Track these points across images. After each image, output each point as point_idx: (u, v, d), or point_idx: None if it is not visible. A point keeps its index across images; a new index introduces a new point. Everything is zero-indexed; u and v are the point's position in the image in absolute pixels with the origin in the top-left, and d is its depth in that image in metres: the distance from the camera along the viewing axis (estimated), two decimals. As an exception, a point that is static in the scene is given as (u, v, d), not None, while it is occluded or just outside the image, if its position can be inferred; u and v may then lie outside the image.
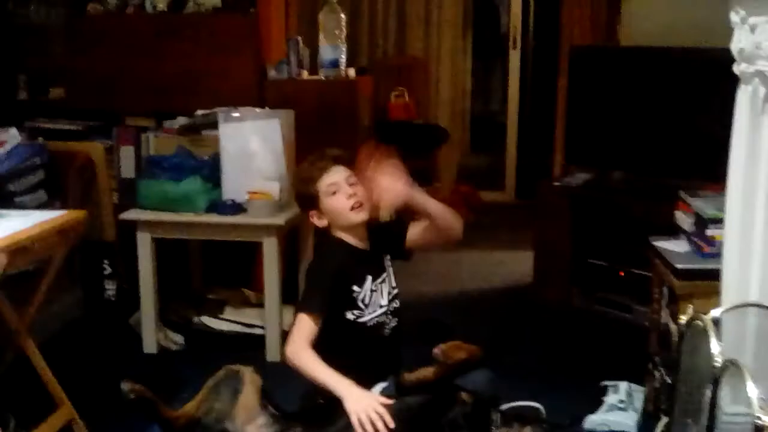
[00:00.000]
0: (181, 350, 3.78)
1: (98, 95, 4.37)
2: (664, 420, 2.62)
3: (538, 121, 6.57)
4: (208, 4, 4.31)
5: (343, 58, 4.35)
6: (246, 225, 3.59)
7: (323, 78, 4.33)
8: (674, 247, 2.99)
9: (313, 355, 2.36)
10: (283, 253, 3.68)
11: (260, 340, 3.66)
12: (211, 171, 3.69)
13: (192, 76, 4.28)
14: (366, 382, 2.37)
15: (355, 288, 2.51)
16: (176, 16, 4.35)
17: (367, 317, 2.54)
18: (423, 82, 6.48)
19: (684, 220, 3.02)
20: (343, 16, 4.34)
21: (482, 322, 4.07)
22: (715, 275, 2.32)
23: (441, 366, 2.32)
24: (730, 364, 1.90)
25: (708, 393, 1.97)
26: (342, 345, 2.47)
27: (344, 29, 4.35)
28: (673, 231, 3.08)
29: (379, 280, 2.59)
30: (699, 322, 2.10)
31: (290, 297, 3.58)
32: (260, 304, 3.75)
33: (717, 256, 2.47)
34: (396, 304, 2.63)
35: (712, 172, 2.67)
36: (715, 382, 1.94)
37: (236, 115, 3.74)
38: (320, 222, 2.60)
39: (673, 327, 2.81)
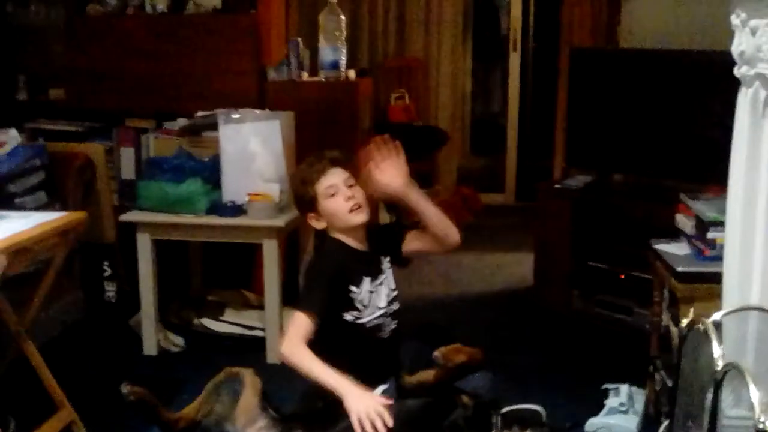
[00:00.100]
0: (181, 352, 3.78)
1: (98, 96, 4.37)
2: (665, 423, 2.61)
3: (539, 123, 6.57)
4: (208, 5, 4.30)
5: (343, 60, 4.35)
6: (246, 227, 3.59)
7: (323, 79, 4.33)
8: (675, 249, 2.98)
9: (310, 353, 2.34)
10: (283, 254, 3.68)
11: (260, 342, 3.66)
12: (211, 172, 3.68)
13: (192, 77, 4.28)
14: (365, 384, 2.36)
15: (353, 288, 2.51)
16: (176, 16, 4.35)
17: (366, 318, 2.53)
18: (423, 84, 6.49)
19: (685, 222, 3.02)
20: (343, 17, 4.34)
21: (482, 325, 4.07)
22: (716, 278, 2.32)
23: (441, 369, 2.32)
24: (732, 368, 1.89)
25: (709, 396, 1.96)
26: (340, 346, 2.46)
27: (344, 31, 4.35)
28: (674, 234, 3.07)
29: (378, 281, 2.58)
30: (700, 326, 2.10)
31: (290, 299, 3.57)
32: (260, 306, 3.75)
33: (718, 259, 2.47)
34: (395, 306, 2.62)
35: (713, 175, 2.67)
36: (717, 386, 1.94)
37: (236, 116, 3.73)
38: (318, 224, 2.59)
39: (673, 330, 2.81)
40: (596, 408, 3.02)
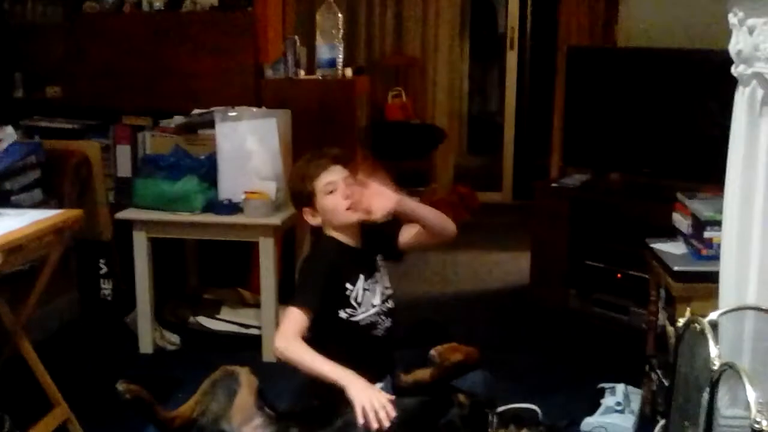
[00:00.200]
0: (177, 350, 3.78)
1: (95, 94, 4.36)
2: (662, 422, 2.62)
3: (536, 122, 6.57)
4: (205, 2, 4.30)
5: (340, 58, 4.34)
6: (242, 225, 3.59)
7: (320, 77, 4.32)
8: (671, 249, 2.98)
9: (305, 346, 2.32)
10: (279, 253, 3.67)
11: (256, 340, 3.65)
12: (208, 170, 3.68)
13: (189, 75, 4.27)
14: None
15: (348, 286, 2.51)
16: (173, 14, 4.34)
17: (360, 316, 2.53)
18: (420, 83, 6.48)
19: (681, 222, 3.01)
20: (340, 15, 4.33)
21: (479, 324, 4.07)
22: (712, 277, 2.32)
23: (438, 368, 2.31)
24: (728, 367, 1.89)
25: (705, 396, 1.96)
26: (335, 344, 2.45)
27: (341, 29, 4.34)
28: (671, 233, 3.07)
29: (372, 279, 2.58)
30: (696, 325, 2.10)
31: (287, 297, 3.54)
32: (256, 305, 3.75)
33: (714, 258, 2.47)
34: (390, 304, 2.62)
35: (710, 174, 2.67)
36: (713, 385, 1.94)
37: (233, 114, 3.73)
38: (314, 220, 2.59)
39: (670, 329, 2.81)
40: (592, 407, 3.02)
